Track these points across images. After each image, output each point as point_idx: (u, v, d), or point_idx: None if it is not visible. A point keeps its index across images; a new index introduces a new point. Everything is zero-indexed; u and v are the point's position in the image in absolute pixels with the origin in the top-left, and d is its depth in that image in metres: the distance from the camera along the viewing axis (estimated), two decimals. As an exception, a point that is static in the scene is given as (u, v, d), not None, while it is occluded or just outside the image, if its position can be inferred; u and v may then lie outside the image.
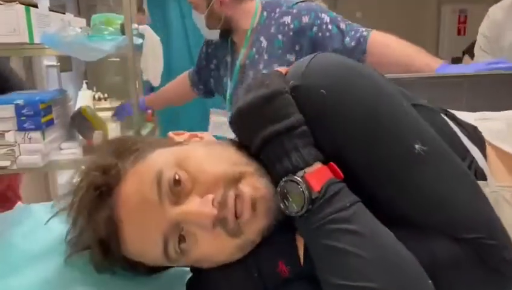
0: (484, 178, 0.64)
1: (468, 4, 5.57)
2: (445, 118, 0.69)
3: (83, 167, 0.57)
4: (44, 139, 1.55)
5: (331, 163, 0.53)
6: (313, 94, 0.53)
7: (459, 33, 5.77)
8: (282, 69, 0.59)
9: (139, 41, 1.82)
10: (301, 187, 0.50)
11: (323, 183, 0.50)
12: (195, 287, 0.61)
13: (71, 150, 1.68)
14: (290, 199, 0.51)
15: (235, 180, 0.53)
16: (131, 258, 0.56)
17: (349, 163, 0.54)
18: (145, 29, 1.84)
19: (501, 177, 0.67)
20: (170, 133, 0.66)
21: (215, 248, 0.53)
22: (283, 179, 0.52)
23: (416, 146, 0.53)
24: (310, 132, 0.54)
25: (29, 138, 1.51)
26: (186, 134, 0.66)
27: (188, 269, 0.64)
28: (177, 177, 0.52)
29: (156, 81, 1.96)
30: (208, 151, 0.57)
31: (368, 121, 0.53)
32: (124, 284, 0.58)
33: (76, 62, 4.60)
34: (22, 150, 1.52)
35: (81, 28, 1.70)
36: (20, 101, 1.48)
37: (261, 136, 0.53)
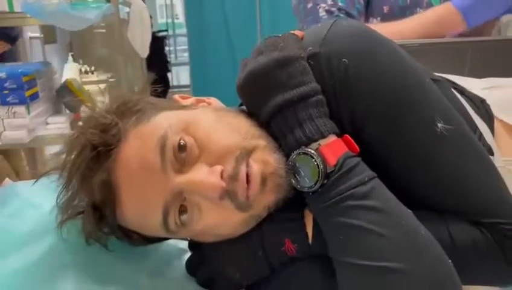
0: (491, 153, 0.62)
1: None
2: (455, 92, 0.66)
3: (80, 123, 0.52)
4: (29, 113, 1.49)
5: (346, 135, 0.50)
6: (335, 63, 0.50)
7: None
8: (298, 33, 0.55)
9: (125, 9, 1.74)
10: (315, 161, 0.47)
11: (338, 157, 0.47)
12: (196, 267, 0.58)
13: (58, 125, 1.63)
14: (302, 173, 0.48)
15: (246, 154, 0.50)
16: (127, 226, 0.52)
17: (366, 137, 0.51)
18: (132, -4, 1.76)
19: (507, 151, 0.66)
20: (176, 96, 0.60)
21: (220, 220, 0.50)
22: (295, 152, 0.49)
23: (439, 125, 0.50)
24: (326, 103, 0.50)
25: (13, 113, 1.45)
26: (193, 98, 0.61)
27: (187, 248, 0.60)
28: (182, 142, 0.48)
29: (144, 52, 1.89)
30: (218, 118, 0.53)
31: (394, 92, 0.50)
32: (117, 267, 0.55)
33: (61, 34, 4.45)
34: (6, 125, 1.46)
35: (63, -5, 1.61)
36: (1, 74, 1.42)
37: (272, 103, 0.49)
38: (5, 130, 1.47)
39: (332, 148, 0.48)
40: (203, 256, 0.55)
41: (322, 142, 0.48)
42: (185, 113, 0.53)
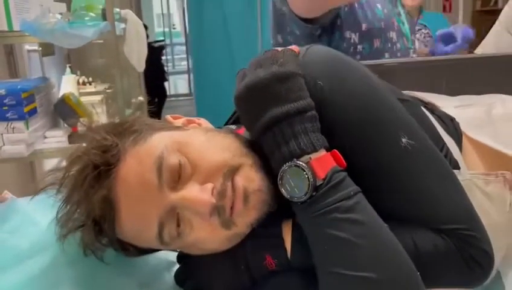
0: (457, 168, 0.67)
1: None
2: (425, 110, 0.71)
3: (83, 145, 0.56)
4: (28, 128, 1.53)
5: (335, 151, 0.53)
6: (311, 84, 0.54)
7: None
8: (295, 48, 0.58)
9: (121, 26, 1.79)
10: (306, 173, 0.50)
11: (327, 171, 0.50)
12: (184, 277, 0.62)
13: (56, 139, 1.67)
14: (293, 184, 0.51)
15: (233, 171, 0.54)
16: (124, 239, 0.56)
17: (342, 151, 0.55)
18: (127, 13, 1.80)
19: (474, 166, 0.70)
20: (168, 117, 0.65)
21: (208, 236, 0.54)
22: (287, 164, 0.51)
23: (403, 140, 0.54)
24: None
25: (13, 128, 1.50)
26: (184, 118, 0.65)
27: (175, 260, 0.65)
28: (177, 163, 0.52)
29: (140, 67, 1.94)
30: (209, 139, 0.57)
31: (363, 111, 0.54)
32: (112, 280, 0.59)
33: (58, 46, 4.51)
34: (6, 140, 1.51)
35: (61, 13, 1.66)
36: (1, 91, 1.46)
37: (269, 114, 0.52)
38: (4, 144, 1.51)
39: (322, 162, 0.51)
40: (191, 269, 0.60)
41: (313, 155, 0.51)
42: (178, 134, 0.58)
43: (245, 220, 0.54)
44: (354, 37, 1.09)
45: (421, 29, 2.40)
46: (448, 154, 0.67)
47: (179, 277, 0.63)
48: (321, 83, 0.54)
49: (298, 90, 0.52)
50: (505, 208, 0.69)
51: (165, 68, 7.18)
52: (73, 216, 0.55)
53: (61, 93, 1.89)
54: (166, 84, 6.81)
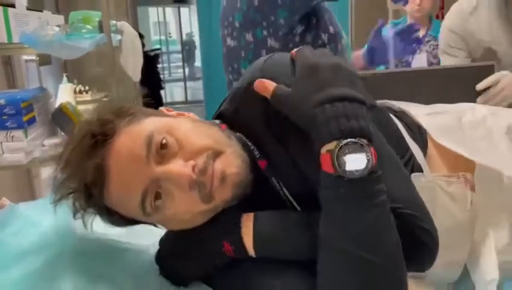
0: (421, 171, 0.74)
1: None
2: (394, 118, 0.78)
3: (84, 118, 0.63)
4: (26, 137, 1.59)
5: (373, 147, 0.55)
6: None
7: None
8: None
9: (117, 37, 1.85)
10: (368, 155, 0.52)
11: (376, 162, 0.54)
12: (163, 258, 0.68)
13: (53, 147, 1.72)
14: (351, 159, 0.52)
15: (215, 155, 0.60)
16: (110, 206, 0.62)
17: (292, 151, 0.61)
18: (123, 25, 1.87)
19: (438, 168, 0.77)
20: (162, 108, 0.72)
21: (187, 209, 0.60)
22: (354, 140, 0.53)
23: None
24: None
25: (12, 137, 1.55)
26: (175, 112, 0.72)
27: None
28: (164, 141, 0.59)
29: (136, 76, 2.00)
30: (195, 126, 0.64)
31: None
32: (107, 272, 0.64)
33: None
34: (5, 148, 1.56)
35: (59, 26, 1.73)
36: (1, 101, 1.52)
37: (345, 90, 0.55)
38: (3, 153, 1.57)
39: (374, 151, 0.54)
40: (166, 252, 0.66)
41: (372, 144, 0.54)
42: (168, 120, 0.65)
43: (222, 196, 0.61)
44: (324, 38, 1.15)
45: (430, 41, 2.38)
46: (412, 158, 0.74)
47: (157, 260, 0.69)
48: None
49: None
50: (467, 206, 0.75)
51: (162, 76, 7.27)
52: (68, 182, 0.61)
53: (58, 102, 1.95)
54: (162, 92, 6.90)
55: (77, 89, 3.99)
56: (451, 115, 0.88)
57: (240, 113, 0.68)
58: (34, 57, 3.68)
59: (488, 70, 1.13)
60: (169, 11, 10.34)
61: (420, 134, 0.79)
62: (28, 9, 1.70)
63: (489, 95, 1.12)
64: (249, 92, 0.63)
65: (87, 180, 0.59)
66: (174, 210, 0.60)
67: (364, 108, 0.56)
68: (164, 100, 7.09)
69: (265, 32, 1.05)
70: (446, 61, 1.65)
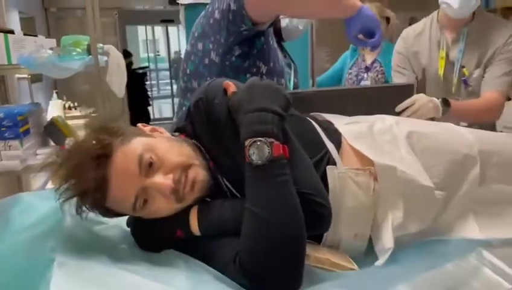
0: (334, 164, 0.96)
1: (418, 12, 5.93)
2: (315, 124, 1.01)
3: (83, 139, 0.83)
4: (22, 146, 1.79)
5: (285, 146, 0.81)
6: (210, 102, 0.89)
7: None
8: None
9: (104, 58, 2.07)
10: (269, 149, 0.77)
11: (279, 154, 0.79)
12: (136, 232, 0.91)
13: (46, 156, 1.92)
14: (257, 152, 0.78)
15: (187, 167, 0.84)
16: (108, 205, 0.84)
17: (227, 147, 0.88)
18: (110, 48, 2.10)
19: (350, 163, 0.99)
20: (139, 125, 0.94)
21: (165, 207, 0.84)
22: (261, 139, 0.78)
23: None
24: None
25: (9, 146, 1.76)
26: (149, 127, 0.95)
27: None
28: (151, 160, 0.81)
29: (120, 93, 2.22)
30: (171, 146, 0.86)
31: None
32: (93, 246, 0.86)
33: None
34: (3, 156, 1.77)
35: (52, 48, 1.95)
36: (0, 114, 1.73)
37: (271, 105, 0.82)
38: (1, 160, 1.77)
39: (278, 147, 0.79)
40: (140, 228, 0.90)
41: (275, 141, 0.79)
42: (150, 140, 0.87)
43: (191, 197, 0.85)
44: (263, 69, 1.28)
45: (376, 67, 2.50)
46: (327, 153, 0.96)
47: (128, 222, 0.93)
48: (217, 101, 0.87)
49: (288, 109, 0.85)
50: (370, 192, 0.97)
51: (150, 93, 7.48)
52: (73, 188, 0.81)
53: (49, 117, 2.16)
54: (150, 108, 7.10)
55: (66, 105, 4.19)
56: (365, 123, 1.11)
57: (193, 125, 0.92)
58: (26, 75, 3.88)
59: (409, 90, 1.35)
60: (158, 29, 10.58)
61: (335, 136, 1.02)
62: (24, 34, 1.92)
63: (408, 114, 1.32)
64: (196, 108, 0.89)
65: (92, 187, 0.80)
66: (155, 208, 0.84)
67: (277, 117, 0.81)
68: (152, 116, 7.28)
69: (211, 46, 1.22)
70: (396, 79, 1.88)
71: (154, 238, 0.89)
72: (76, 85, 4.98)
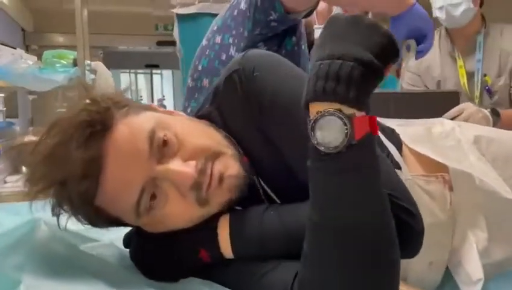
0: (399, 168, 0.74)
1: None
2: None
3: (78, 100, 0.56)
4: (-12, 170, 1.52)
5: (374, 117, 0.50)
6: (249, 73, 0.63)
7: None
8: None
9: (91, 76, 1.86)
10: (347, 129, 0.47)
11: (363, 134, 0.48)
12: (139, 254, 0.64)
13: (16, 183, 1.64)
14: (326, 133, 0.48)
15: (214, 156, 0.58)
16: (98, 203, 0.56)
17: (267, 130, 0.62)
18: (98, 65, 1.89)
19: (414, 169, 0.78)
20: (153, 104, 0.68)
21: (180, 211, 0.57)
22: (330, 110, 0.47)
23: None
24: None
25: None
26: (164, 109, 0.68)
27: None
28: (166, 138, 0.56)
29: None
30: (195, 125, 0.62)
31: (291, 94, 0.60)
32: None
33: (22, 109, 4.51)
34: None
35: (32, 62, 1.72)
36: (-35, 131, 1.46)
37: (353, 50, 0.49)
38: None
39: (362, 123, 0.48)
40: (145, 246, 0.63)
41: (358, 113, 0.48)
42: (166, 116, 0.62)
43: (218, 199, 0.58)
44: None
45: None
46: (389, 156, 0.75)
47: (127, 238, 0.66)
48: (258, 73, 0.62)
49: (388, 58, 0.51)
50: (446, 205, 0.75)
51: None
52: (49, 176, 0.54)
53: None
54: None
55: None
56: (420, 126, 0.91)
57: (222, 110, 0.67)
58: (1, 107, 3.62)
59: (454, 98, 1.20)
60: (141, 77, 10.54)
61: (395, 137, 0.81)
62: (1, 44, 1.70)
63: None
64: (229, 83, 0.64)
65: (77, 174, 0.53)
66: (167, 211, 0.56)
67: (360, 69, 0.48)
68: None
69: (230, 40, 1.04)
70: None
71: (165, 262, 0.61)
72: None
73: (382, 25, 0.51)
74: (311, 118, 0.49)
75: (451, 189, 0.77)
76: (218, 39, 1.06)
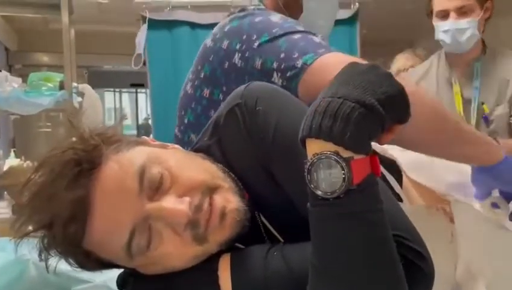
0: (400, 200, 0.74)
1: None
2: None
3: (65, 137, 0.54)
4: (-31, 196, 1.46)
5: (376, 157, 0.48)
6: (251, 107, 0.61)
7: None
8: None
9: (78, 99, 1.82)
10: (344, 173, 0.45)
11: (363, 178, 0.46)
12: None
13: (0, 210, 1.59)
14: (322, 176, 0.46)
15: (211, 190, 0.55)
16: (87, 246, 0.53)
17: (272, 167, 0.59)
18: (85, 87, 1.86)
19: (414, 200, 0.76)
20: (145, 137, 0.65)
21: (176, 251, 0.54)
22: (329, 153, 0.45)
23: None
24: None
25: (-47, 195, 1.42)
26: (158, 142, 0.65)
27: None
28: (158, 174, 0.53)
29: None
30: (189, 158, 0.60)
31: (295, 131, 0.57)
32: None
33: (4, 129, 4.41)
34: None
35: (17, 85, 1.68)
36: None
37: (360, 92, 0.47)
38: None
39: (361, 165, 0.46)
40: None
41: (357, 156, 0.46)
42: (158, 150, 0.59)
43: (217, 238, 0.55)
44: None
45: None
46: (391, 188, 0.73)
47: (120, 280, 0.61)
48: (260, 107, 0.60)
49: (396, 108, 0.50)
50: (448, 238, 0.74)
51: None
52: (36, 217, 0.51)
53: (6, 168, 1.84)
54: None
55: (25, 165, 3.82)
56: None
57: (222, 144, 0.64)
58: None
59: None
60: (126, 96, 10.47)
61: (396, 168, 0.80)
62: (-15, 66, 1.65)
63: None
64: (231, 117, 0.61)
65: (64, 216, 0.50)
66: (161, 252, 0.53)
67: (362, 110, 0.46)
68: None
69: (221, 97, 0.97)
70: None
71: None
72: (37, 145, 4.62)
73: (396, 79, 0.49)
74: (308, 159, 0.47)
75: (452, 221, 0.76)
76: (206, 92, 0.98)
